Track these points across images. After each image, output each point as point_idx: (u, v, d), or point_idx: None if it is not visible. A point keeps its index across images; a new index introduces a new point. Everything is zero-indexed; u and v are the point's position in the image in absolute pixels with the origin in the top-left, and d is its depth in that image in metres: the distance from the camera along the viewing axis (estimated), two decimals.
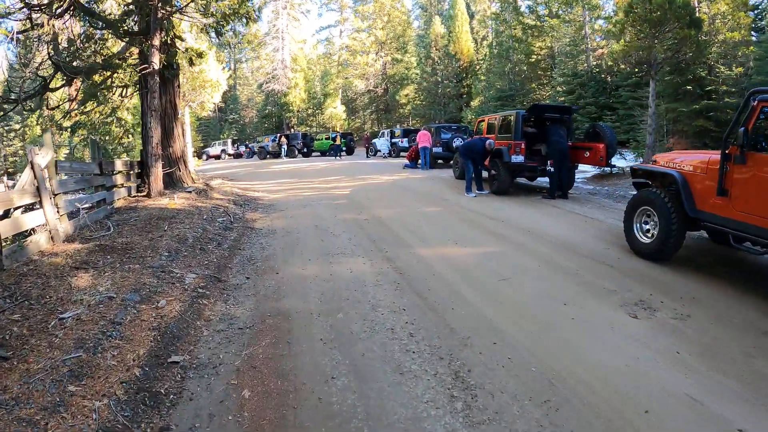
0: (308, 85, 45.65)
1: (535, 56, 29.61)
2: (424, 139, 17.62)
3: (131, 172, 10.49)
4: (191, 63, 11.64)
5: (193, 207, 8.98)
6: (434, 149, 18.11)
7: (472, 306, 4.49)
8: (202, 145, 42.02)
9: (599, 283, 5.06)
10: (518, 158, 10.73)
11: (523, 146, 10.74)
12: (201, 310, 4.44)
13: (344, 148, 32.58)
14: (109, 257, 5.51)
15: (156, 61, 10.07)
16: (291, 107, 44.20)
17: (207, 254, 6.19)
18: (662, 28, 13.20)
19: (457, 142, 18.17)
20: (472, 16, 43.24)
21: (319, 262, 5.95)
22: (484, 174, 11.67)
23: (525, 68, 28.87)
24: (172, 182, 11.31)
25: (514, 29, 28.32)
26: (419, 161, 18.78)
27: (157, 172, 10.04)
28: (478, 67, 37.57)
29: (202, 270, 5.51)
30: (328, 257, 6.12)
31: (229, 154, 41.27)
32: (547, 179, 11.43)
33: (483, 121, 12.93)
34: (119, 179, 9.63)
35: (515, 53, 28.26)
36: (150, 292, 4.57)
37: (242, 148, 40.53)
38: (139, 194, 10.16)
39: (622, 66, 15.50)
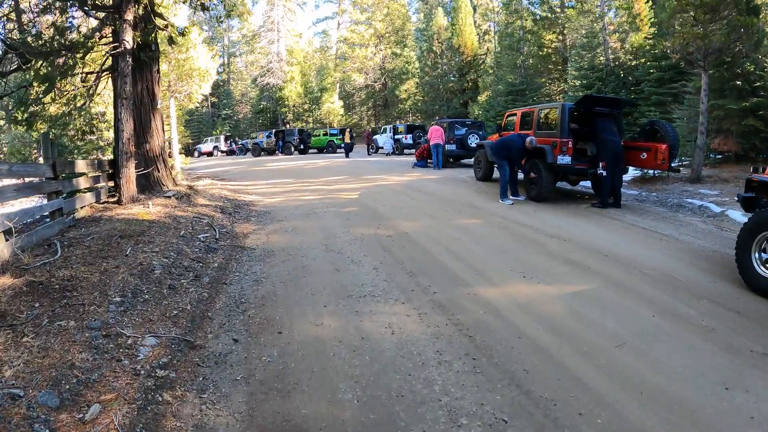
0: (304, 79, 43.69)
1: (546, 49, 27.90)
2: (436, 135, 15.83)
3: (101, 174, 8.62)
4: (171, 42, 9.77)
5: (171, 218, 7.16)
6: (447, 147, 16.34)
7: (607, 406, 2.72)
8: (191, 141, 39.93)
9: (742, 344, 3.48)
10: (565, 159, 8.98)
11: (570, 145, 9.01)
12: (158, 421, 2.63)
13: (343, 145, 30.78)
14: (38, 304, 3.70)
15: (128, 39, 8.25)
16: (286, 102, 42.24)
17: (178, 296, 4.36)
18: (716, 15, 11.49)
19: (473, 139, 16.43)
20: (474, 9, 41.42)
21: (339, 309, 4.14)
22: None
23: (537, 61, 27.13)
24: (149, 185, 9.46)
25: (525, 20, 26.55)
26: (429, 160, 17.02)
27: (129, 173, 8.20)
28: (484, 60, 35.85)
29: (167, 327, 3.69)
30: (352, 301, 4.31)
31: (222, 151, 39.29)
32: (588, 183, 9.80)
33: (513, 114, 11.14)
34: (83, 183, 7.77)
35: (527, 45, 26.49)
36: (78, 384, 2.76)
37: (235, 145, 38.58)
38: (110, 200, 8.33)
39: (673, 56, 13.66)
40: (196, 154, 41.14)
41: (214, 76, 15.71)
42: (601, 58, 22.87)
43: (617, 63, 22.87)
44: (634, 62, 22.89)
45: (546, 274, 5.03)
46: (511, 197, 9.43)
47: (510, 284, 4.77)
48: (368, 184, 12.74)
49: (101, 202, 8.15)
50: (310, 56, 49.54)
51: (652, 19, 22.09)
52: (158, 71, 9.98)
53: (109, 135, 13.89)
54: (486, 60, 39.51)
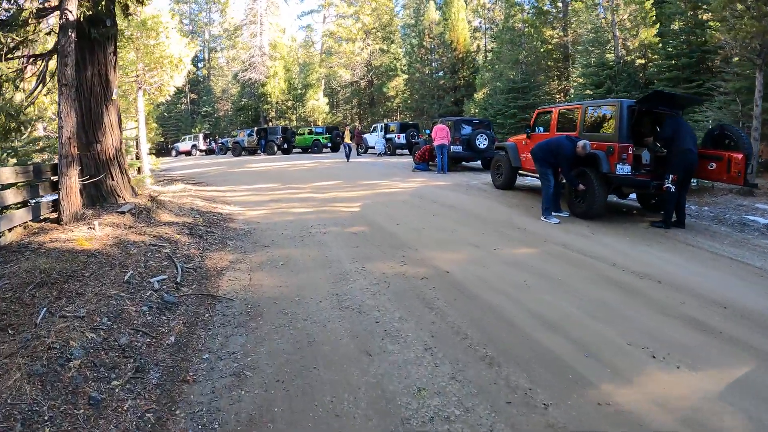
0: (288, 75, 41.47)
1: (547, 45, 26.30)
2: (441, 135, 13.99)
3: (41, 183, 6.56)
4: (126, 11, 7.73)
5: (120, 246, 5.19)
6: (452, 148, 14.54)
7: None
8: (164, 139, 37.40)
9: None
10: (624, 169, 7.22)
11: (630, 152, 7.27)
12: None
13: (329, 144, 28.80)
14: None
15: (72, 8, 6.31)
16: (269, 98, 39.98)
17: (103, 421, 2.44)
18: None
19: (481, 140, 14.66)
20: (466, 3, 39.70)
21: None
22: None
23: (541, 57, 25.54)
24: (101, 196, 7.44)
25: (527, 13, 24.90)
26: (431, 162, 15.21)
27: (71, 183, 6.21)
28: (475, 57, 34.20)
29: None
30: None
31: (201, 150, 36.96)
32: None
33: (547, 112, 9.35)
34: (10, 197, 5.72)
35: (531, 40, 24.84)
36: None
37: (214, 144, 36.26)
38: (52, 215, 6.34)
39: (731, 52, 12.03)
40: (173, 153, 38.85)
41: (188, 66, 13.62)
42: (610, 54, 21.34)
43: (628, 60, 21.36)
44: (644, 60, 21.44)
45: (678, 349, 3.27)
46: (554, 214, 7.64)
47: (643, 374, 2.97)
48: (368, 191, 10.84)
49: (40, 219, 6.16)
50: (294, 51, 47.35)
51: (653, 16, 20.65)
52: (114, 53, 7.93)
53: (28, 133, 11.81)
54: (478, 56, 37.93)
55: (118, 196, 7.62)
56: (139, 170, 13.40)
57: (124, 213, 6.78)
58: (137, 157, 13.54)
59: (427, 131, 16.86)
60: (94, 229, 5.88)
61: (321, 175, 15.04)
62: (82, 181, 6.71)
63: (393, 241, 6.14)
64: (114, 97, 7.80)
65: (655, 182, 7.19)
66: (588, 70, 20.97)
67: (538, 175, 9.34)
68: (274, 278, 4.80)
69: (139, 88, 13.35)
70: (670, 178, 6.97)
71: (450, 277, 4.72)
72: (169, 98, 15.71)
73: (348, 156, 20.67)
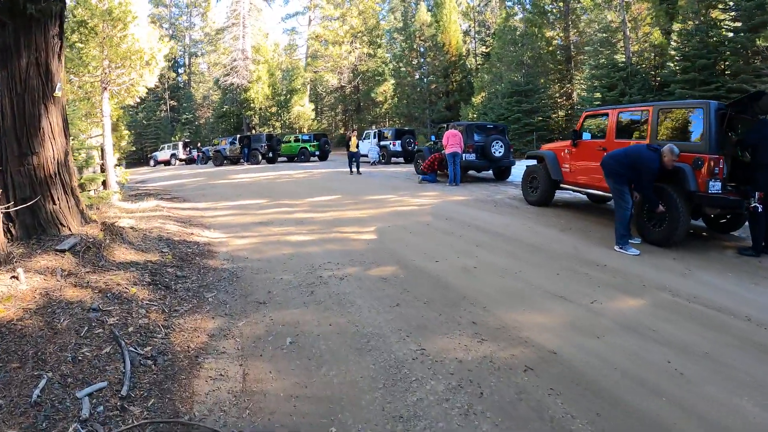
0: (272, 79, 39.53)
1: (548, 47, 24.92)
2: (453, 141, 12.32)
3: None
4: None
5: (45, 314, 3.39)
6: (465, 156, 12.88)
7: None
8: (134, 148, 35.02)
9: None
10: (716, 186, 5.65)
11: (722, 165, 5.67)
12: None
13: (317, 153, 26.94)
14: None
15: None
16: (252, 104, 37.99)
17: None
18: None
19: (497, 147, 13.04)
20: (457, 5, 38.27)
21: None
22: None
23: (545, 58, 24.16)
24: (38, 226, 5.56)
25: (528, 13, 23.49)
26: (439, 171, 13.56)
27: None
28: (470, 60, 32.77)
29: None
30: None
31: (181, 159, 34.78)
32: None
33: (600, 115, 7.71)
34: None
35: (534, 40, 23.41)
36: None
37: (195, 152, 34.11)
38: None
39: None
40: (151, 162, 36.67)
41: (161, 63, 11.71)
42: (619, 55, 20.00)
43: (640, 61, 20.03)
44: (654, 60, 20.15)
45: None
46: (631, 242, 5.99)
47: None
48: (377, 209, 9.09)
49: None
50: (278, 55, 45.49)
51: (665, 15, 19.42)
52: (60, 37, 6.05)
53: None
54: (468, 61, 36.46)
55: (61, 224, 5.74)
56: (104, 184, 11.45)
57: (64, 251, 4.94)
58: (102, 170, 11.59)
59: (432, 137, 15.21)
60: (18, 279, 4.07)
61: (315, 188, 13.25)
62: (5, 208, 4.89)
63: (444, 292, 4.38)
64: (58, 93, 5.94)
65: (748, 204, 5.61)
66: (599, 71, 19.55)
67: (591, 191, 7.77)
68: (282, 377, 2.99)
69: (105, 88, 11.42)
70: (757, 196, 5.45)
71: (563, 365, 2.99)
72: (138, 100, 13.75)
73: (354, 167, 17.30)
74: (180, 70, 52.73)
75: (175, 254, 5.82)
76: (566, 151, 8.19)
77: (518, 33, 22.97)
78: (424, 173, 13.48)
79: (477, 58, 39.82)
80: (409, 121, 33.95)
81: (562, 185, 8.49)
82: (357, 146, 17.26)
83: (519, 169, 12.09)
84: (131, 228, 6.71)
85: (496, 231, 6.88)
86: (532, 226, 7.14)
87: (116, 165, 13.16)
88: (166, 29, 50.77)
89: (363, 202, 10.10)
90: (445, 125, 14.70)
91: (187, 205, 11.28)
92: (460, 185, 12.48)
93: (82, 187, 9.30)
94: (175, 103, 47.40)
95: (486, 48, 38.35)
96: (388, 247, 6.11)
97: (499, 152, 13.09)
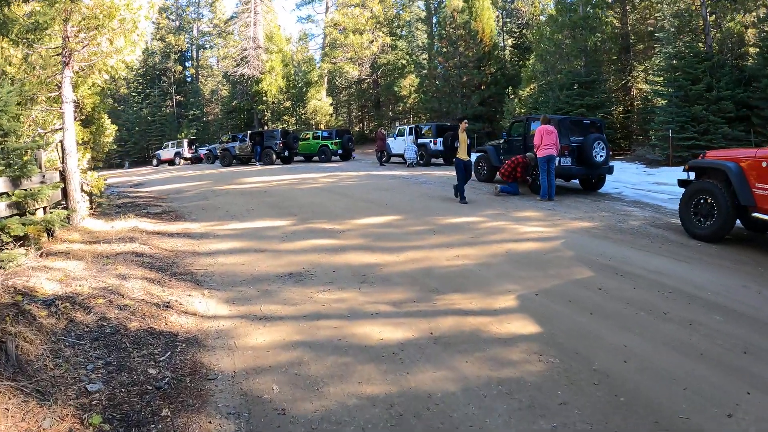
0: (286, 70, 36.11)
1: (608, 32, 21.28)
2: (548, 141, 8.83)
3: None
4: None
5: None
6: (560, 161, 9.41)
7: None
8: (117, 146, 31.41)
9: None
10: None
11: None
12: None
13: (340, 151, 23.48)
14: None
15: None
16: (265, 97, 34.59)
17: None
18: None
19: (598, 149, 9.56)
20: None
21: None
22: None
23: (610, 45, 20.62)
24: None
25: None
26: (526, 179, 10.06)
27: None
28: (503, 49, 29.18)
29: None
30: None
31: (186, 159, 31.54)
32: None
33: None
34: None
35: (599, 24, 19.84)
36: None
37: (202, 151, 30.78)
38: None
39: None
40: (154, 162, 33.60)
41: (144, 24, 8.28)
42: (699, 43, 16.32)
43: (725, 50, 16.36)
44: (737, 50, 16.47)
45: None
46: None
47: None
48: (482, 249, 5.61)
49: None
50: (292, 45, 42.11)
51: None
52: None
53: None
54: (501, 51, 32.84)
55: None
56: (65, 195, 8.01)
57: None
58: (61, 177, 8.12)
59: (504, 134, 11.68)
60: None
61: (355, 199, 9.79)
62: None
63: None
64: None
65: None
66: (679, 62, 15.82)
67: None
68: None
69: (66, 63, 8.00)
70: None
71: None
72: (118, 77, 10.29)
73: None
74: (187, 64, 49.47)
75: (111, 401, 2.41)
76: (766, 163, 4.90)
77: (580, 16, 19.30)
78: (504, 183, 9.93)
79: (508, 50, 36.18)
80: (439, 117, 30.38)
81: (754, 214, 5.15)
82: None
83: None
84: (46, 310, 3.29)
85: (709, 299, 3.52)
86: (751, 286, 3.67)
87: (88, 169, 9.80)
88: (173, 21, 47.70)
89: (443, 230, 6.64)
90: (523, 119, 11.14)
91: (177, 226, 7.90)
92: (554, 199, 9.02)
93: (18, 206, 5.88)
94: (182, 99, 44.10)
95: (513, 39, 34.81)
96: (588, 367, 2.64)
97: (601, 156, 9.61)
